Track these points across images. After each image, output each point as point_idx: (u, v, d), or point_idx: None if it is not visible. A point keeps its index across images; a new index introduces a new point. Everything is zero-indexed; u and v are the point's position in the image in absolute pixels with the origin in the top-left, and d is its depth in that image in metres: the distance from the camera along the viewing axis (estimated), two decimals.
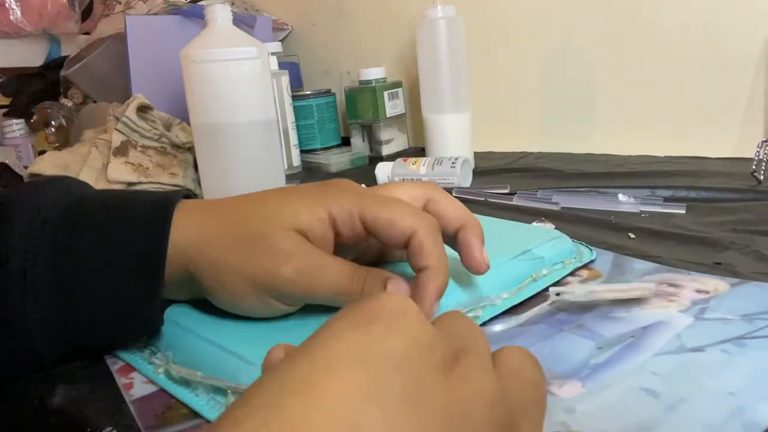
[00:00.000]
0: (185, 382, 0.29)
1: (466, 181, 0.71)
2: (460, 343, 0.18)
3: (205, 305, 0.35)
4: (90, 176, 0.67)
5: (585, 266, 0.42)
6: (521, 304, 0.36)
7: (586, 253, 0.43)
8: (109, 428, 0.27)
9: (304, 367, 0.15)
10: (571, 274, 0.40)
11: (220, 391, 0.28)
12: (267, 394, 0.14)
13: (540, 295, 0.37)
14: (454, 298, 0.34)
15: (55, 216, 0.31)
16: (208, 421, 0.27)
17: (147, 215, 0.31)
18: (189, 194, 0.34)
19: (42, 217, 0.30)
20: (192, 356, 0.30)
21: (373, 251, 0.36)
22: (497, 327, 0.34)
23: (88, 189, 0.35)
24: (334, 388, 0.14)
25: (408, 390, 0.15)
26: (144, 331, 0.33)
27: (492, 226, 0.49)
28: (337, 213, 0.30)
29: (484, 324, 0.34)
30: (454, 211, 0.34)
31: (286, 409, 0.14)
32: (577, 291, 0.33)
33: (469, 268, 0.33)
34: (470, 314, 0.34)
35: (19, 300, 0.29)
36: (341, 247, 0.32)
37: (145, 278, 0.30)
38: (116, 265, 0.30)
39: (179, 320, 0.33)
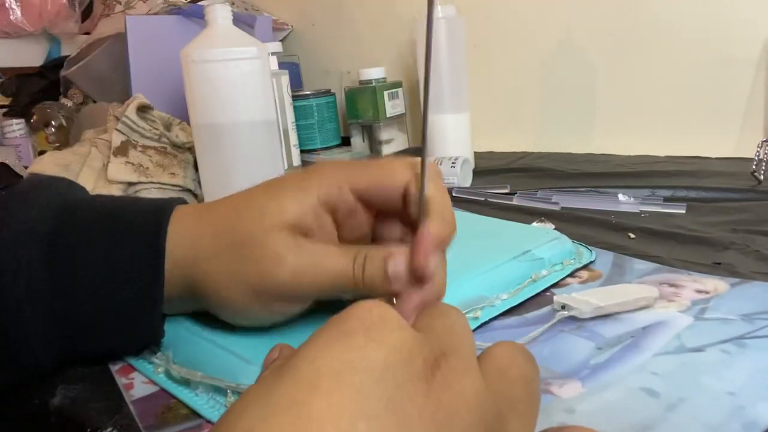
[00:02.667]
0: (185, 382, 0.29)
1: (466, 181, 0.71)
2: (441, 345, 0.17)
3: None
4: (90, 176, 0.67)
5: (585, 267, 0.42)
6: (521, 304, 0.36)
7: (586, 254, 0.43)
8: (110, 428, 0.27)
9: (290, 385, 0.15)
10: (571, 275, 0.40)
11: (220, 390, 0.28)
12: (254, 415, 0.14)
13: (541, 297, 0.37)
14: (452, 299, 0.34)
15: (47, 228, 0.30)
16: (208, 421, 0.27)
17: (142, 225, 0.30)
18: (183, 201, 0.33)
19: (32, 228, 0.29)
20: (192, 356, 0.30)
21: (362, 229, 0.31)
22: (496, 327, 0.34)
23: (77, 193, 0.34)
24: (320, 406, 0.14)
25: (392, 402, 0.15)
26: (144, 342, 0.33)
27: (492, 226, 0.49)
28: (326, 193, 0.28)
29: (484, 324, 0.34)
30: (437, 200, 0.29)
31: (273, 430, 0.14)
32: (584, 308, 0.33)
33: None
34: (469, 315, 0.34)
35: (15, 314, 0.28)
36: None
37: (144, 290, 0.29)
38: (113, 279, 0.29)
39: (179, 320, 0.33)
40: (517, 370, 0.18)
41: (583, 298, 0.34)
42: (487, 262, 0.39)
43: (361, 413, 0.14)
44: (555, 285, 0.39)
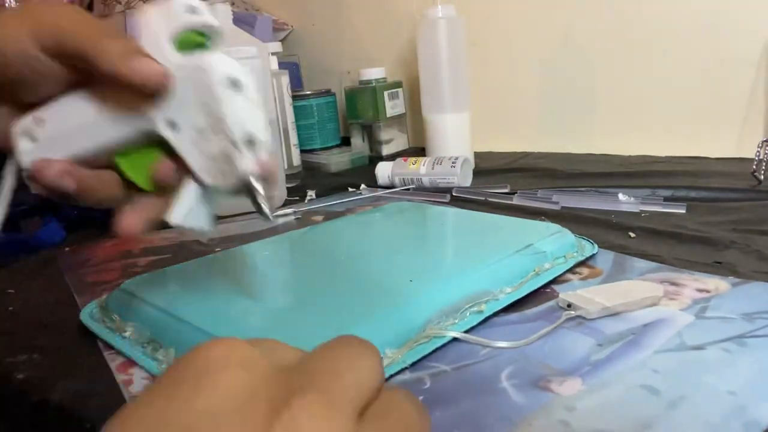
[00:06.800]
0: None
1: (466, 180, 0.71)
2: (303, 381, 0.15)
3: (209, 297, 0.35)
4: None
5: (586, 263, 0.42)
6: (522, 300, 0.36)
7: (588, 247, 0.43)
8: None
9: None
10: (572, 271, 0.40)
11: None
12: None
13: (542, 293, 0.37)
14: (456, 294, 0.34)
15: None
16: None
17: None
18: None
19: None
20: None
21: None
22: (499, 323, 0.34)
23: None
24: None
25: None
26: None
27: (493, 222, 0.49)
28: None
29: (486, 320, 0.34)
30: None
31: None
32: (591, 308, 0.33)
33: None
34: (473, 309, 0.34)
35: None
36: None
37: None
38: None
39: (182, 315, 0.33)
40: (397, 414, 0.16)
41: (589, 296, 0.34)
42: (490, 257, 0.39)
43: None
44: (555, 282, 0.39)
